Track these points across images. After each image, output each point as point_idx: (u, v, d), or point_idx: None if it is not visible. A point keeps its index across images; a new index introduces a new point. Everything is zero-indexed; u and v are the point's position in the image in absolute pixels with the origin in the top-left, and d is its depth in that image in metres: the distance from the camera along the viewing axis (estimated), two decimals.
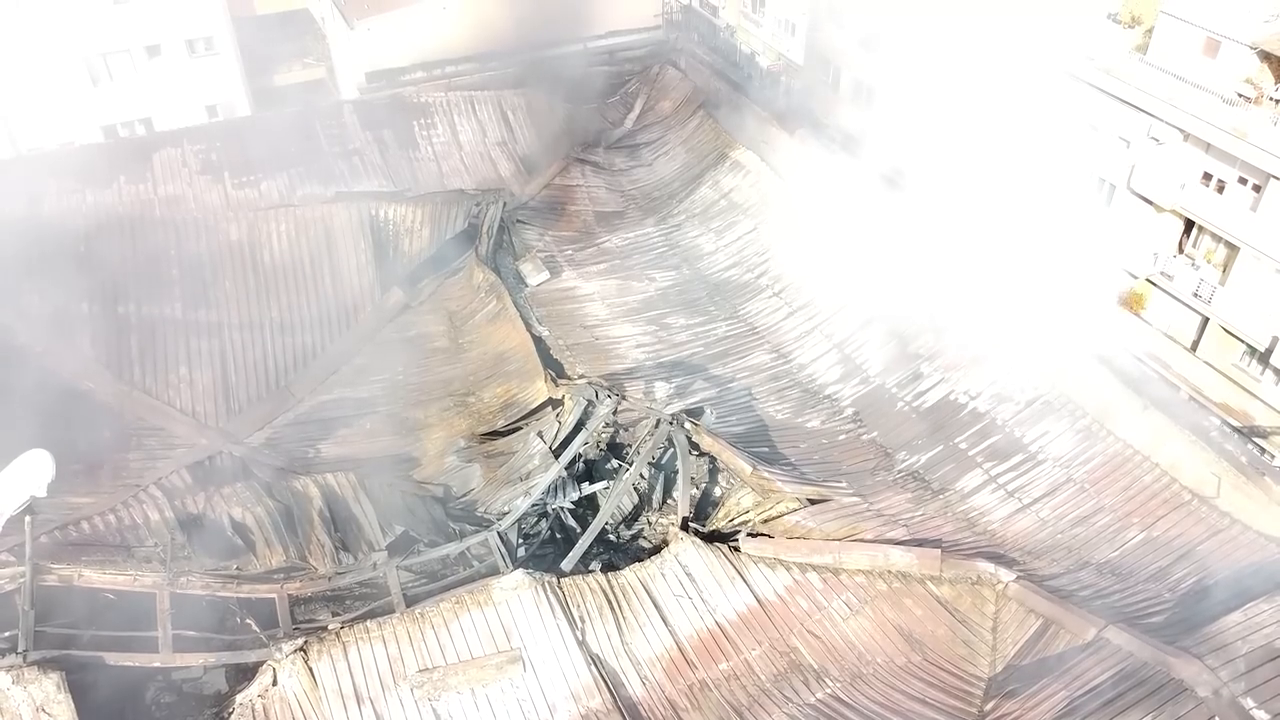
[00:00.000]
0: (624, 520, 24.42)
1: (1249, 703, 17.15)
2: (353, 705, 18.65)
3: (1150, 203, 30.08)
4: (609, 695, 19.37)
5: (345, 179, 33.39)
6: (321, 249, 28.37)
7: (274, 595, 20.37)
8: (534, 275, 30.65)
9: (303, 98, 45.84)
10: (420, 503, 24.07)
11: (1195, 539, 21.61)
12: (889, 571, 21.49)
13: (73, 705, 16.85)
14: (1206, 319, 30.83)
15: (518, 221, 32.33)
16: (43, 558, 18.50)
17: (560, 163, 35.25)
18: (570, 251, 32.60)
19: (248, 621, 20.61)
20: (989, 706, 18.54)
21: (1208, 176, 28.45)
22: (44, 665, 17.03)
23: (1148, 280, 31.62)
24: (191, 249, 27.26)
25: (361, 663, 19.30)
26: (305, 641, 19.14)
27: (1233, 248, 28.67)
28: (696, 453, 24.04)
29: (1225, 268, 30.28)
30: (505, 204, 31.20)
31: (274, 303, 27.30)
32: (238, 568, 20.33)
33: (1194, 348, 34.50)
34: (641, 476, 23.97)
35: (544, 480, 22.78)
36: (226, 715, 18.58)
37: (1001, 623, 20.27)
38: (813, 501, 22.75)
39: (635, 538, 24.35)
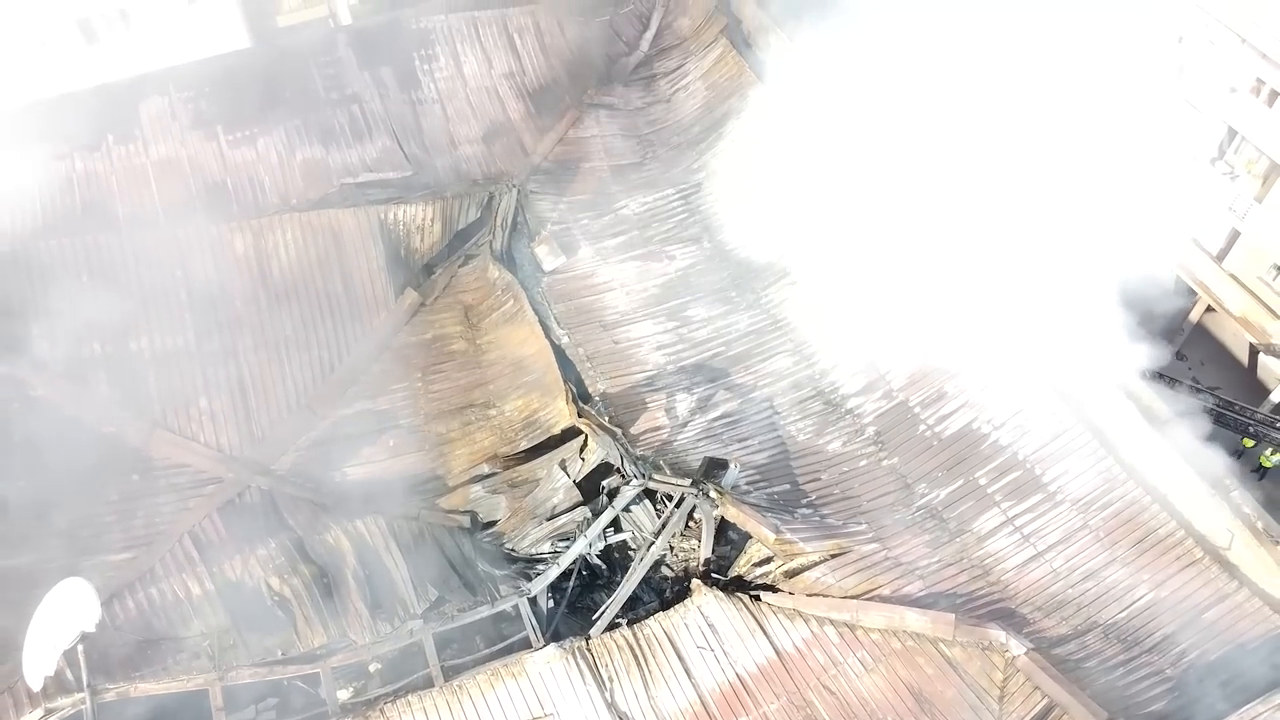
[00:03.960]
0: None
1: None
2: None
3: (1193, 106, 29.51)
4: None
5: (345, 136, 31.51)
6: (331, 256, 27.25)
7: (319, 671, 21.42)
8: (550, 259, 29.59)
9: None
10: (449, 535, 24.73)
11: (1201, 604, 22.39)
12: (903, 630, 22.43)
13: None
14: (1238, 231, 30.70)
15: (530, 192, 30.80)
16: (97, 674, 19.34)
17: (573, 112, 33.06)
18: (586, 221, 31.25)
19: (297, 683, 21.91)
20: None
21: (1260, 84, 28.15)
22: None
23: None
24: (198, 269, 26.21)
25: None
26: None
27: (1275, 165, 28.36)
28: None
29: (1265, 180, 29.77)
30: (519, 190, 29.60)
31: (287, 318, 26.59)
32: (282, 652, 21.26)
33: (1220, 258, 34.20)
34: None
35: (571, 552, 23.41)
36: None
37: (1009, 693, 21.39)
38: (833, 555, 23.35)
39: (659, 564, 25.16)
